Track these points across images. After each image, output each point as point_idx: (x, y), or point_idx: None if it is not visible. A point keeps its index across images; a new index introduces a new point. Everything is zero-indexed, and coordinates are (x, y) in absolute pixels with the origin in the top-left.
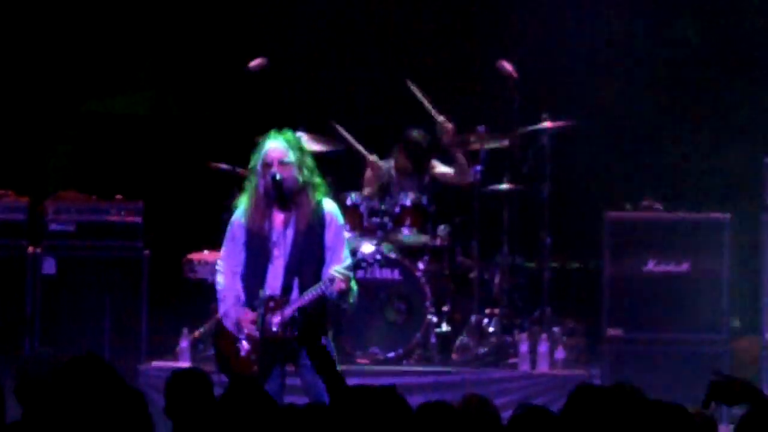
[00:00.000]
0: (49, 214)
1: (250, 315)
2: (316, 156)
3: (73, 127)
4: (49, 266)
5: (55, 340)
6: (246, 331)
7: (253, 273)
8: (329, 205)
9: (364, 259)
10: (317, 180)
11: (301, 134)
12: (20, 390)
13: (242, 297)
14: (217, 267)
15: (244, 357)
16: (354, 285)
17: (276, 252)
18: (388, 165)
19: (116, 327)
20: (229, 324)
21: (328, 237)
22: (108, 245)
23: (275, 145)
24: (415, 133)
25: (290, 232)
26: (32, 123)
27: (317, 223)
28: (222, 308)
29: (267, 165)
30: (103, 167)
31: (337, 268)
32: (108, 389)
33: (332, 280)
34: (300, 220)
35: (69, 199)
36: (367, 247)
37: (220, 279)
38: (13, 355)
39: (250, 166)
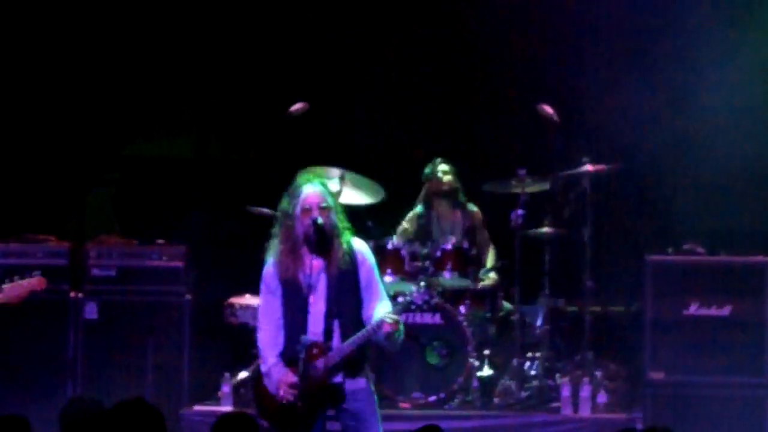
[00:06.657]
0: (91, 259)
1: (291, 378)
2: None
3: (114, 170)
4: (91, 311)
5: (96, 385)
6: (283, 394)
7: (293, 320)
8: (359, 244)
9: (413, 302)
10: (346, 223)
11: (340, 174)
12: None
13: (282, 352)
14: (258, 323)
15: (289, 405)
16: (402, 327)
17: (313, 298)
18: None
19: (158, 371)
20: (269, 385)
21: (362, 276)
22: (149, 290)
23: (314, 191)
24: (439, 166)
25: (324, 276)
26: (74, 167)
27: (350, 264)
28: (263, 367)
29: (306, 210)
30: (145, 211)
31: (387, 312)
32: None
33: (381, 324)
34: (333, 263)
35: (110, 243)
36: (417, 290)
37: (261, 336)
38: (55, 400)
39: (283, 211)
